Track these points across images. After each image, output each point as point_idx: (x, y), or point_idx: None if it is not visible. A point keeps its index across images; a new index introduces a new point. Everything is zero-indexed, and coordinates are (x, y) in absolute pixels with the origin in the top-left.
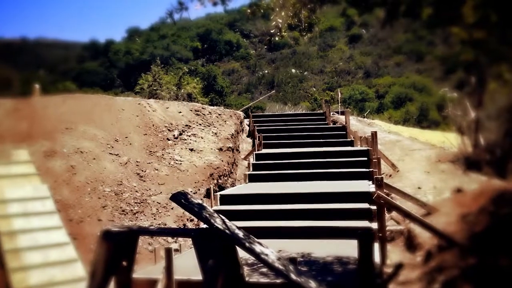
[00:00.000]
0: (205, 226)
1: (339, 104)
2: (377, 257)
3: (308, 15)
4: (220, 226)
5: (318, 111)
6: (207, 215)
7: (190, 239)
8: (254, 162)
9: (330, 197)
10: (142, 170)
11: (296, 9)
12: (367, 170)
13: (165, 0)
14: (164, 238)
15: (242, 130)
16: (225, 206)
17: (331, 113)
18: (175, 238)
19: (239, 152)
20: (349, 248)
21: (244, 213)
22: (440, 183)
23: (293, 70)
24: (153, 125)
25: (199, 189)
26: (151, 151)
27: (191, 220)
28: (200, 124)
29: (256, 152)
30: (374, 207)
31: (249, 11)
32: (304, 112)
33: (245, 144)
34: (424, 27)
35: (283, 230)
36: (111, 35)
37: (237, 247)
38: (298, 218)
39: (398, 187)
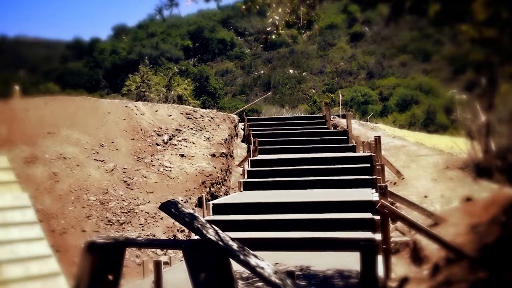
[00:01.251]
0: (196, 237)
1: (340, 107)
2: (380, 271)
3: (307, 12)
4: (212, 237)
5: (318, 115)
6: (199, 226)
7: (181, 251)
8: (249, 169)
9: (330, 206)
10: (130, 178)
11: (294, 5)
12: (370, 177)
13: None
14: (153, 250)
15: (237, 134)
16: (218, 216)
17: (332, 117)
18: (165, 250)
19: (233, 158)
20: (351, 261)
21: (238, 223)
22: (448, 191)
23: (291, 71)
24: (141, 129)
25: (190, 198)
26: (139, 157)
27: (182, 231)
28: (191, 128)
29: (252, 158)
30: (377, 217)
31: (244, 7)
32: (302, 115)
33: (240, 150)
34: (431, 24)
35: (281, 242)
36: (96, 33)
37: (231, 259)
38: (297, 228)
39: (403, 196)
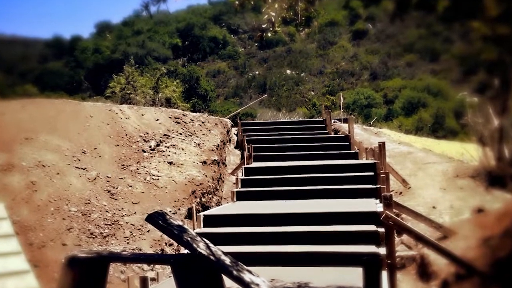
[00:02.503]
0: (186, 251)
1: (342, 110)
2: (385, 287)
3: (306, 7)
4: (203, 252)
5: (317, 119)
6: (189, 239)
7: (169, 266)
8: (243, 177)
9: (331, 218)
10: (114, 187)
11: (291, 1)
12: (374, 186)
13: None
14: (139, 265)
15: (229, 140)
16: (210, 229)
17: (332, 121)
18: (152, 265)
19: (226, 166)
20: (353, 277)
21: (231, 236)
22: (458, 201)
23: (288, 71)
24: (126, 135)
25: (179, 209)
26: (124, 165)
27: (170, 245)
28: (180, 134)
29: (246, 166)
30: (381, 230)
31: (237, 2)
32: (301, 119)
33: (233, 157)
34: (439, 21)
35: (277, 256)
36: (77, 30)
37: (223, 275)
38: (294, 242)
39: (409, 207)
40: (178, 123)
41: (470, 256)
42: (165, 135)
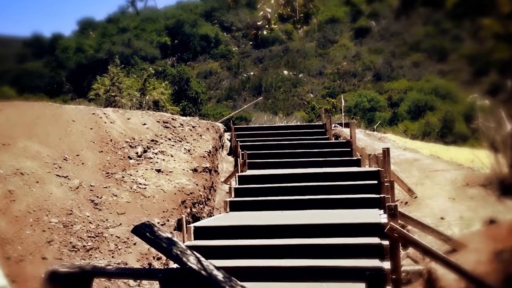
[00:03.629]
0: (175, 265)
1: (343, 114)
2: None
3: (304, 3)
4: (194, 266)
5: (317, 123)
6: (178, 252)
7: (157, 282)
8: (237, 186)
9: (331, 230)
10: (97, 196)
11: None
12: (377, 196)
13: None
14: (125, 280)
15: (222, 146)
16: (201, 241)
17: (333, 126)
18: (139, 280)
19: (218, 173)
20: None
21: (224, 249)
22: (469, 212)
23: (285, 72)
24: (111, 140)
25: (168, 220)
26: (108, 173)
27: (158, 259)
28: (169, 139)
29: (240, 173)
30: (386, 242)
31: None
32: (299, 124)
33: (226, 164)
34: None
35: (273, 271)
36: (58, 28)
37: None
38: (292, 255)
39: (416, 218)
40: (167, 127)
41: (481, 271)
42: (152, 140)
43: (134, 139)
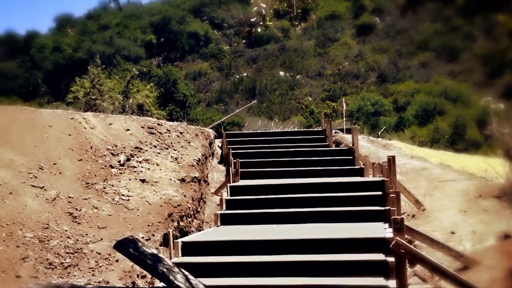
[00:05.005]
0: (161, 284)
1: (344, 119)
2: None
3: None
4: (181, 285)
5: (316, 129)
6: (165, 270)
7: None
8: (229, 197)
9: (331, 246)
10: (76, 209)
11: None
12: (382, 208)
13: None
14: None
15: (212, 154)
16: (189, 258)
17: (333, 132)
18: None
19: (208, 184)
20: None
21: (214, 267)
22: (481, 226)
23: (282, 73)
24: (91, 148)
25: (153, 235)
26: (88, 183)
27: (143, 277)
28: (155, 146)
29: (232, 184)
30: (391, 259)
31: None
32: (296, 129)
33: (217, 174)
34: (459, 14)
35: None
36: (34, 25)
37: None
38: (289, 273)
39: (423, 232)
40: (152, 133)
41: None
42: (136, 148)
43: (116, 146)
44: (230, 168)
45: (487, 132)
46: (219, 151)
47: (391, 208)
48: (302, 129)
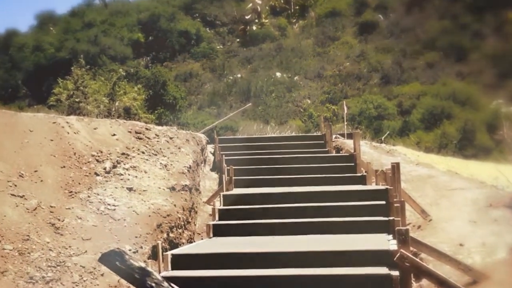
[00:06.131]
0: None
1: (345, 123)
2: None
3: None
4: None
5: (315, 134)
6: (153, 284)
7: None
8: (222, 207)
9: (331, 258)
10: (59, 219)
11: None
12: (386, 219)
13: None
14: None
15: (204, 160)
16: (180, 272)
17: (334, 136)
18: None
19: (200, 192)
20: None
21: (206, 281)
22: (492, 237)
23: (278, 74)
24: (75, 154)
25: (141, 247)
26: (71, 192)
27: None
28: (143, 152)
29: (225, 193)
30: (395, 273)
31: None
32: (294, 135)
33: (209, 182)
34: (468, 11)
35: None
36: (13, 23)
37: None
38: None
39: (430, 244)
40: (140, 139)
41: None
42: (123, 154)
43: (101, 152)
44: (224, 175)
45: (497, 137)
46: (211, 157)
47: (395, 219)
48: (300, 134)
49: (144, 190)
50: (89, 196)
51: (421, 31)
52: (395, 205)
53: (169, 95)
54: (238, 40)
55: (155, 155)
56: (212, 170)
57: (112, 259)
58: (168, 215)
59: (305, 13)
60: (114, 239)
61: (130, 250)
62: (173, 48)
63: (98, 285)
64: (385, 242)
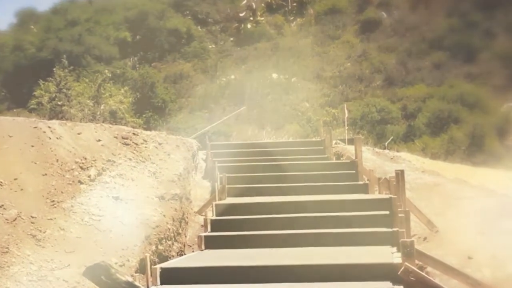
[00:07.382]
0: None
1: (346, 127)
2: None
3: None
4: None
5: (313, 139)
6: None
7: None
8: (214, 218)
9: (331, 273)
10: (40, 231)
11: None
12: (389, 230)
13: None
14: None
15: (196, 168)
16: (169, 286)
17: (334, 142)
18: None
19: (191, 202)
20: None
21: None
22: (503, 250)
23: (275, 75)
24: (58, 161)
25: (128, 260)
26: (54, 201)
27: None
28: (130, 159)
29: (217, 202)
30: None
31: None
32: (291, 140)
33: (200, 190)
34: (477, 8)
35: None
36: None
37: None
38: None
39: (436, 256)
40: (127, 144)
41: None
42: (109, 160)
43: (86, 159)
44: (216, 183)
45: (508, 142)
46: (203, 164)
47: (400, 230)
48: (298, 140)
49: (131, 199)
50: (72, 206)
51: (427, 29)
52: (399, 215)
53: (158, 98)
54: (231, 39)
55: (143, 162)
56: (204, 178)
57: (97, 273)
58: (157, 226)
59: (303, 10)
60: (99, 251)
61: (116, 263)
62: (162, 48)
63: None
64: (388, 255)
